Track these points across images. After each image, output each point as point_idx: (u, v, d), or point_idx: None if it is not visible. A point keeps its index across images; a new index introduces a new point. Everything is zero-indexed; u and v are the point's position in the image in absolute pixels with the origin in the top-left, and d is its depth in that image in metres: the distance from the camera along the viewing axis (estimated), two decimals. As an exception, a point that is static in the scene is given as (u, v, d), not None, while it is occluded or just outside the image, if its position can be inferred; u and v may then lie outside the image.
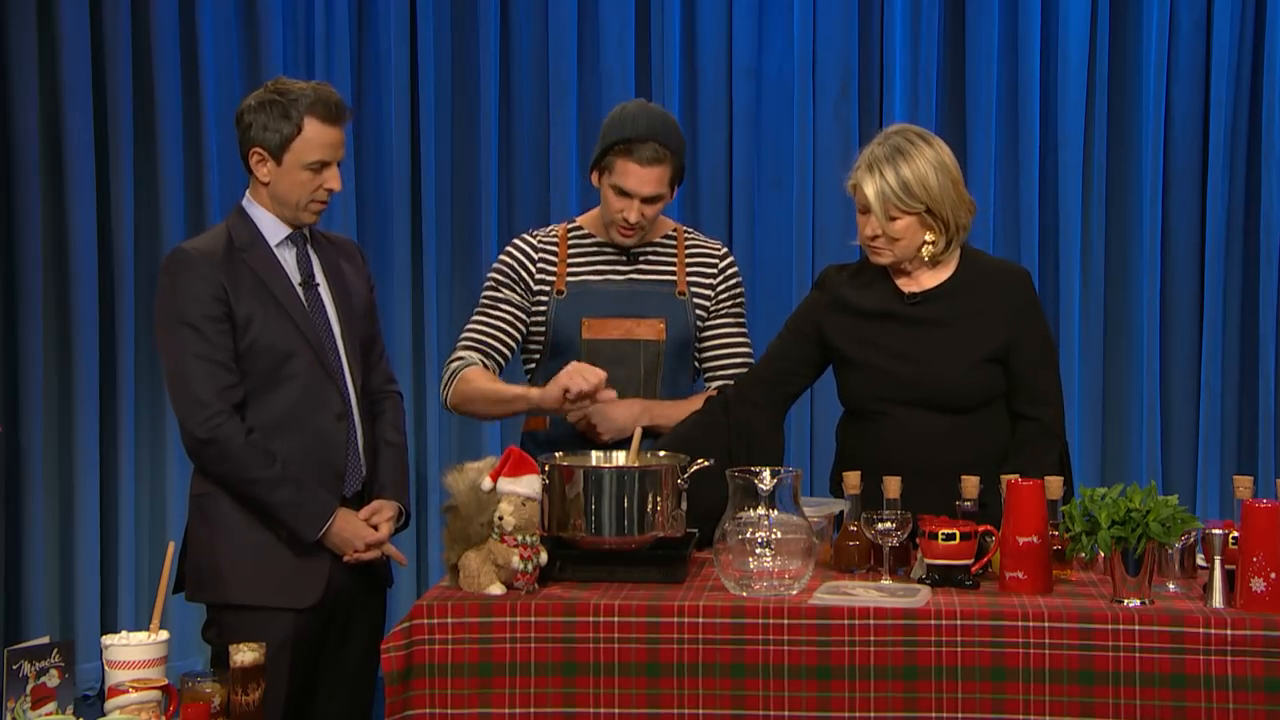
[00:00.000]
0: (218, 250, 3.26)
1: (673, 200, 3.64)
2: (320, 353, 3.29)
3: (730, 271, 3.70)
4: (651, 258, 3.66)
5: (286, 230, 3.32)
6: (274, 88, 3.28)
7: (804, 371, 3.45)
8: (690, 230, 3.76)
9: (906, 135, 3.28)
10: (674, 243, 3.68)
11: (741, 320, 3.72)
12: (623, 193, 3.52)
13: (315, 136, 3.25)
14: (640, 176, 3.49)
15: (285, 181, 3.26)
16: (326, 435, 3.29)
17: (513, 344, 3.65)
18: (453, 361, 3.62)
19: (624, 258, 3.64)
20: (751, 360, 3.66)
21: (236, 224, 3.32)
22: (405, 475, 3.48)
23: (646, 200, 3.52)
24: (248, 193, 3.35)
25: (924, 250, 3.29)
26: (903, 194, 3.23)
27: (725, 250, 3.73)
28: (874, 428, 3.34)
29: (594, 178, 3.58)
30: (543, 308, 3.62)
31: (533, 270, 3.63)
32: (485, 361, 3.61)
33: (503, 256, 3.67)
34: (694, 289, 3.65)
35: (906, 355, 3.31)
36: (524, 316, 3.64)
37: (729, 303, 3.69)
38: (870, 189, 3.24)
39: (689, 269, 3.66)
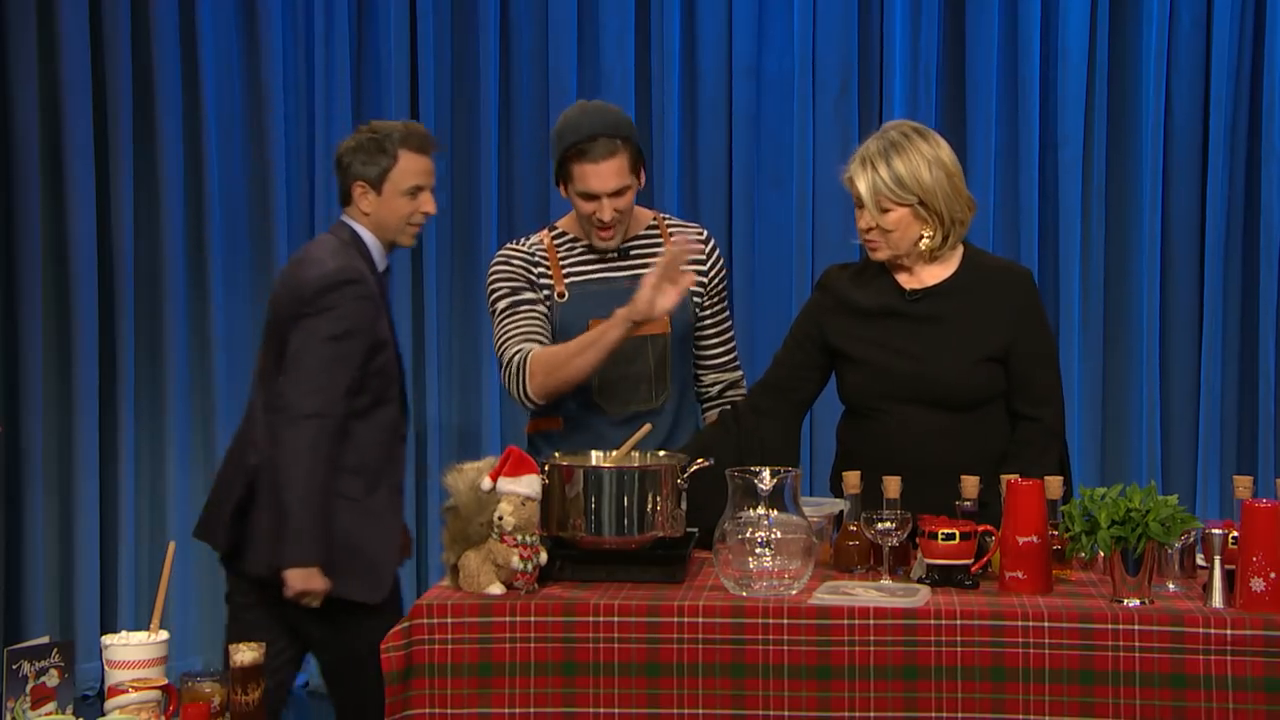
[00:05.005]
0: (367, 272, 3.53)
1: (643, 186, 3.62)
2: (402, 380, 3.64)
3: (716, 255, 3.75)
4: (643, 252, 3.66)
5: (385, 261, 3.63)
6: (368, 130, 3.59)
7: (812, 376, 3.45)
8: (668, 216, 3.79)
9: (902, 130, 3.30)
10: (658, 233, 3.69)
11: (727, 307, 3.79)
12: (589, 196, 3.53)
13: (409, 165, 3.56)
14: (599, 175, 3.50)
15: (386, 208, 3.56)
16: (400, 460, 3.66)
17: (550, 336, 3.57)
18: (512, 359, 3.51)
19: (617, 255, 3.65)
20: (736, 351, 3.77)
21: (355, 247, 3.56)
22: None
23: (614, 195, 3.52)
24: (352, 222, 3.59)
25: (922, 243, 3.30)
26: (894, 186, 3.24)
27: (706, 234, 3.76)
28: (874, 425, 3.34)
29: (561, 190, 3.60)
30: (546, 312, 3.61)
31: (533, 275, 3.61)
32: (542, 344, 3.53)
33: (500, 266, 3.62)
34: None
35: (907, 352, 3.31)
36: (546, 311, 3.60)
37: (720, 287, 3.74)
38: (862, 183, 3.26)
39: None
